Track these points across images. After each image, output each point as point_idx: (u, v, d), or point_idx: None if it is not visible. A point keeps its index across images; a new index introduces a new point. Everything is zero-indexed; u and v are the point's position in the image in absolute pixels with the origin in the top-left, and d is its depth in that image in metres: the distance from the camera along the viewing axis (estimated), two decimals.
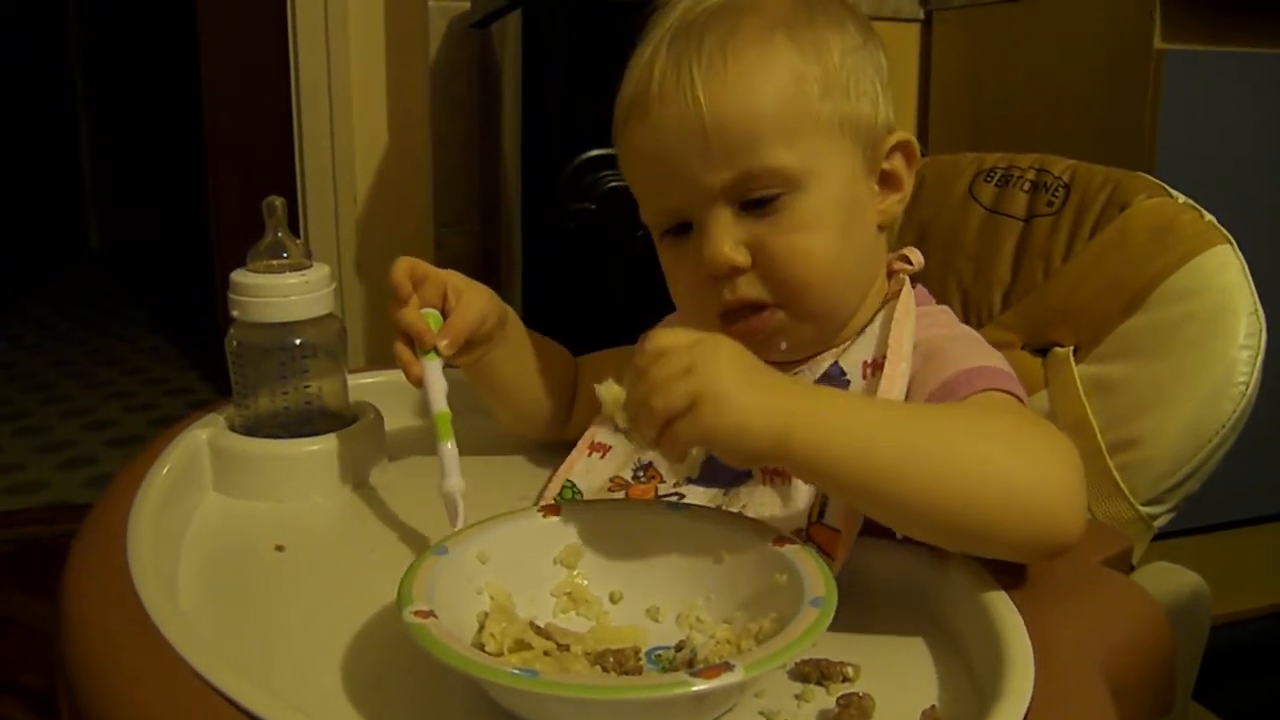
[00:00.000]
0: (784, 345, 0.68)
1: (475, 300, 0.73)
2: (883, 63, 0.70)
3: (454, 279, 0.74)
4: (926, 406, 0.61)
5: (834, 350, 0.70)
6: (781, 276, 0.66)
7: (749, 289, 0.67)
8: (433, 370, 0.70)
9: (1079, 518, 0.55)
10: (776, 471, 0.65)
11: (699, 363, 0.53)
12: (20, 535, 2.06)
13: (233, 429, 0.79)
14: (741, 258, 0.65)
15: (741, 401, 0.52)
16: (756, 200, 0.65)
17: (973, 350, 0.67)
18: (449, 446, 0.67)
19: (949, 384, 0.63)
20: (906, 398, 0.64)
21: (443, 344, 0.71)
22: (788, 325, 0.68)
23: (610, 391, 0.58)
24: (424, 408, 0.95)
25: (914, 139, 0.71)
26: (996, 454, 0.55)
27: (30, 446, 2.58)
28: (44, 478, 2.38)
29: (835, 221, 0.66)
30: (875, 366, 0.67)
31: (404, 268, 0.72)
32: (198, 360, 3.28)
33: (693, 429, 0.53)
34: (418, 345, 0.71)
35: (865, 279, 0.70)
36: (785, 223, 0.65)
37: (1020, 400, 0.63)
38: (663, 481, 0.70)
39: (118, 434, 2.66)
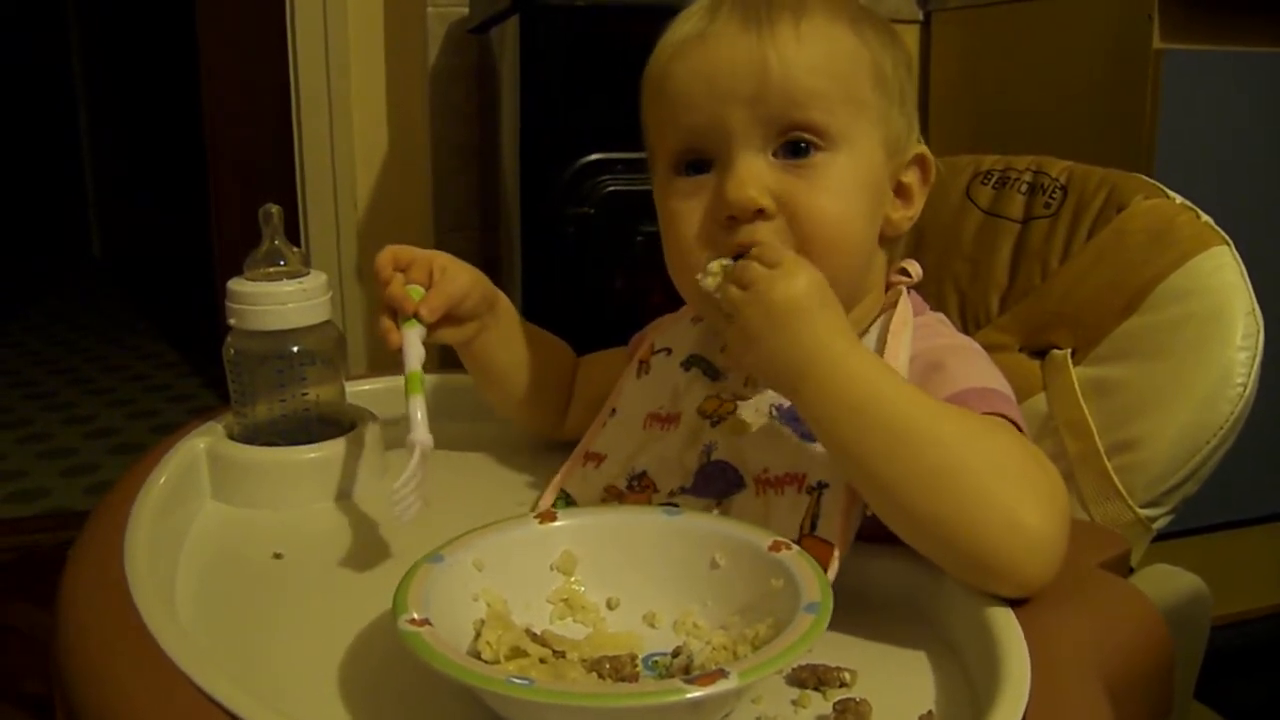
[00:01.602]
0: None
1: (458, 274, 0.74)
2: (915, 95, 0.72)
3: (440, 258, 0.74)
4: (947, 407, 0.60)
5: None
6: (807, 231, 0.64)
7: (770, 236, 0.64)
8: (411, 336, 0.71)
9: (1046, 562, 0.55)
10: (769, 483, 0.65)
11: (798, 269, 0.59)
12: (22, 543, 2.06)
13: (231, 437, 0.79)
14: (767, 201, 0.64)
15: (804, 314, 0.58)
16: (793, 147, 0.65)
17: (970, 367, 0.66)
18: (418, 400, 0.68)
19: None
20: None
21: (423, 310, 0.72)
22: None
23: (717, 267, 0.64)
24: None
25: (930, 156, 0.71)
26: (988, 479, 0.55)
27: (32, 454, 2.58)
28: (46, 485, 2.38)
29: (860, 197, 0.66)
30: None
31: (387, 255, 0.73)
32: (200, 367, 3.28)
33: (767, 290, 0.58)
34: (398, 314, 0.72)
35: (864, 275, 0.70)
36: (817, 181, 0.65)
37: (1017, 425, 0.62)
38: (656, 491, 0.70)
39: (119, 441, 2.66)
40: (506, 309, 0.80)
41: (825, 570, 0.58)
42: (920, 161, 0.71)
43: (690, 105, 0.66)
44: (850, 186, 0.66)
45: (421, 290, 0.73)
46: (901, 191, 0.71)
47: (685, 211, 0.67)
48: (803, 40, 0.65)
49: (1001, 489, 0.55)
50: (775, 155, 0.65)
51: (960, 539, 0.55)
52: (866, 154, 0.67)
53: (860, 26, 0.68)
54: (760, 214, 0.64)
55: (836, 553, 0.59)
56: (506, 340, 0.80)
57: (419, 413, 0.67)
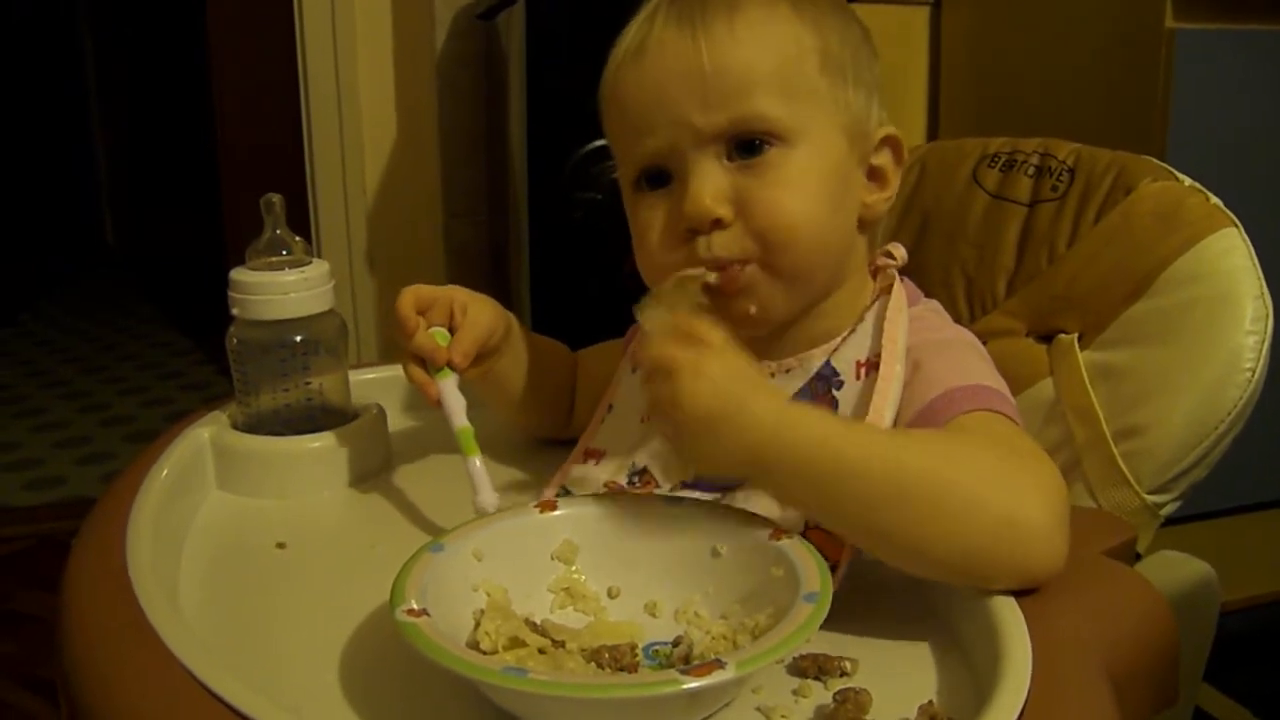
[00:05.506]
0: (752, 308, 0.65)
1: (481, 313, 0.73)
2: (877, 70, 0.70)
3: (459, 295, 0.73)
4: (905, 434, 0.59)
5: (824, 348, 0.68)
6: (762, 227, 0.63)
7: (726, 248, 0.63)
8: (449, 387, 0.70)
9: (1052, 553, 0.55)
10: None
11: (690, 370, 0.54)
12: (40, 531, 2.08)
13: (235, 427, 0.79)
14: (723, 210, 0.63)
15: (724, 420, 0.54)
16: (745, 148, 0.63)
17: (961, 363, 0.65)
18: (477, 463, 0.67)
19: (935, 405, 0.62)
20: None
21: (456, 358, 0.71)
22: (760, 281, 0.65)
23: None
24: (421, 415, 0.95)
25: (900, 135, 0.70)
26: (972, 488, 0.54)
27: (48, 442, 2.60)
28: (62, 473, 2.40)
29: (822, 188, 0.65)
30: (869, 366, 0.65)
31: (408, 300, 0.72)
32: (213, 354, 3.29)
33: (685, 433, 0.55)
34: (430, 364, 0.71)
35: (841, 263, 0.68)
36: (772, 177, 0.63)
37: (1010, 418, 0.62)
38: (658, 486, 0.69)
39: (135, 429, 2.68)
40: (518, 331, 0.79)
41: (837, 561, 0.57)
42: (891, 142, 0.69)
43: (642, 128, 0.66)
44: (810, 178, 0.64)
45: (446, 334, 0.72)
46: (875, 174, 0.69)
47: (649, 225, 0.67)
48: (737, 36, 0.63)
49: (992, 496, 0.54)
50: (730, 158, 0.64)
51: (962, 556, 0.54)
52: (824, 142, 0.65)
53: (801, 7, 0.65)
54: (717, 224, 0.64)
55: (849, 545, 0.58)
56: (519, 361, 0.79)
57: (481, 476, 0.67)
